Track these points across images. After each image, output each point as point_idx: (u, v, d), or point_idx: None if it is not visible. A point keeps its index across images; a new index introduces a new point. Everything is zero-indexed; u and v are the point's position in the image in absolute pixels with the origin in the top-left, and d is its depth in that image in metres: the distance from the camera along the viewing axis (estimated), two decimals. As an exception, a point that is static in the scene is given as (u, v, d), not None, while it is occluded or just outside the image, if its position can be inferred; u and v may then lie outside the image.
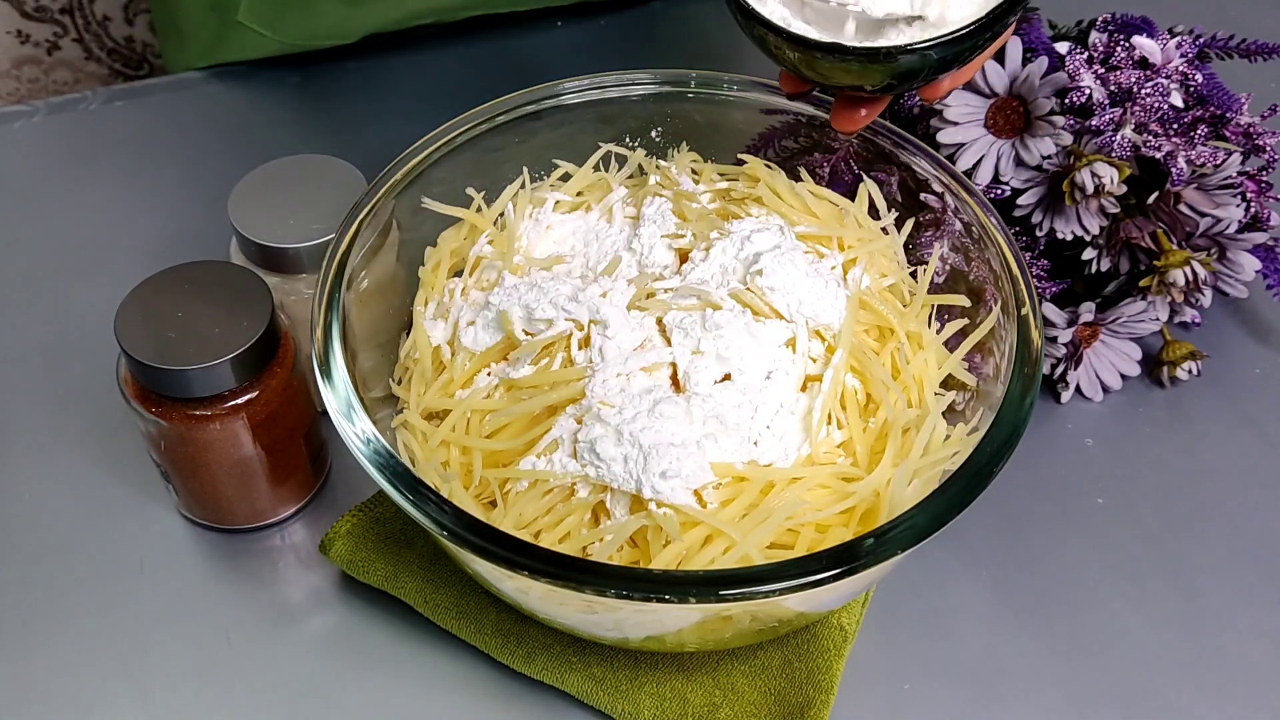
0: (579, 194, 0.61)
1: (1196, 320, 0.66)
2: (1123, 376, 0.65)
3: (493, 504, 0.50)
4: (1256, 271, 0.64)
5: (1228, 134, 0.63)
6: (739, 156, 0.60)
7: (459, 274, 0.58)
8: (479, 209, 0.58)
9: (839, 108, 0.54)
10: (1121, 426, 0.65)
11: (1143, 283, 0.62)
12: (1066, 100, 0.61)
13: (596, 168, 0.61)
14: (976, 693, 0.55)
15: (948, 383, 0.54)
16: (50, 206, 0.74)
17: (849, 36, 0.50)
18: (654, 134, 0.62)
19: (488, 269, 0.57)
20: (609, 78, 0.59)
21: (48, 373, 0.65)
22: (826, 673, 0.53)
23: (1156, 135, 0.60)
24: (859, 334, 0.53)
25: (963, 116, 0.61)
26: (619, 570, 0.43)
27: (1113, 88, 0.61)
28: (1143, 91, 0.60)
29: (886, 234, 0.58)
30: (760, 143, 0.62)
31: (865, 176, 0.59)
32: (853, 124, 0.54)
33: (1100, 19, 0.65)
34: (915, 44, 0.48)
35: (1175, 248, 0.61)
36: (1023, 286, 0.52)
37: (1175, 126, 0.61)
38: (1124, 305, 0.62)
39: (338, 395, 0.48)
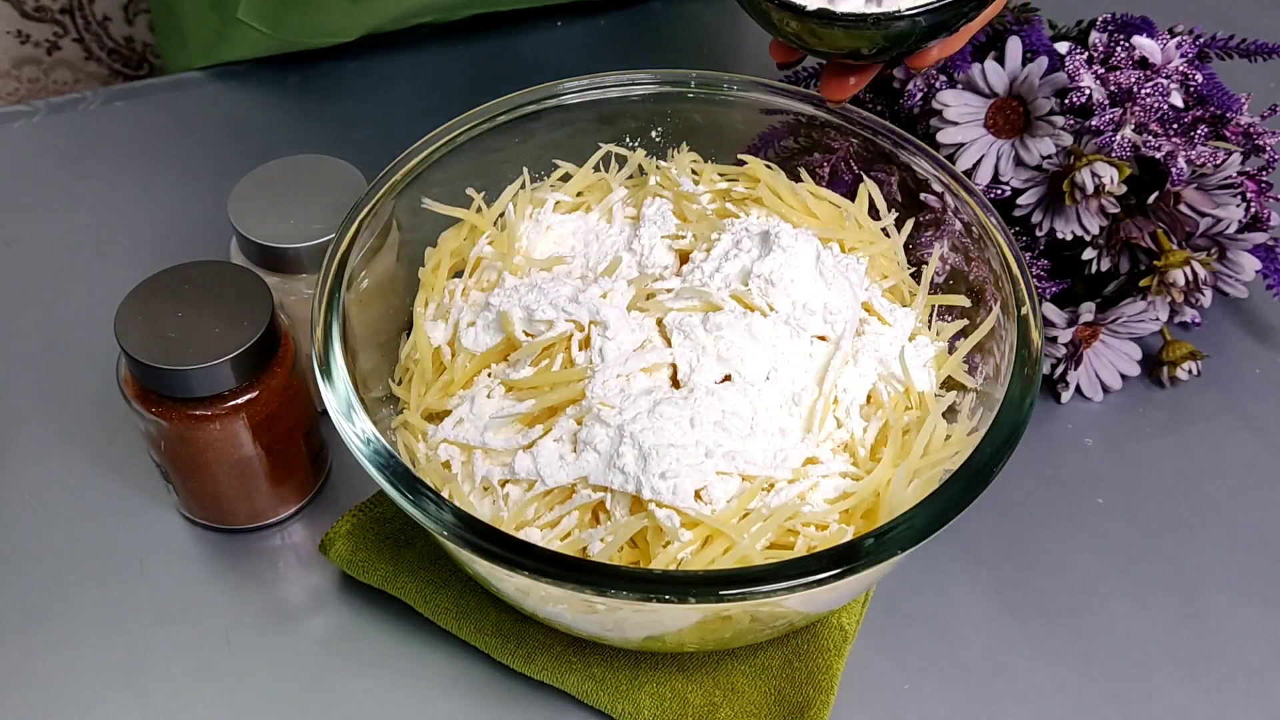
0: (579, 194, 0.61)
1: (1196, 320, 0.66)
2: (1123, 376, 0.65)
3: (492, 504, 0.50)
4: (1256, 271, 0.64)
5: (1228, 134, 0.62)
6: (739, 157, 0.60)
7: (459, 275, 0.58)
8: (479, 209, 0.58)
9: (829, 76, 0.55)
10: (1121, 426, 0.65)
11: (1143, 283, 0.62)
12: (1066, 100, 0.61)
13: (596, 168, 0.61)
14: (976, 693, 0.55)
15: (948, 383, 0.54)
16: (50, 206, 0.73)
17: (844, 3, 0.51)
18: (654, 134, 0.62)
19: (488, 270, 0.57)
20: (609, 78, 0.59)
21: (48, 373, 0.65)
22: (826, 673, 0.53)
23: (1156, 135, 0.60)
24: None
25: (963, 116, 0.61)
26: (619, 570, 0.43)
27: (1113, 88, 0.61)
28: (1143, 91, 0.60)
29: (886, 235, 0.58)
30: (760, 143, 0.62)
31: (865, 177, 0.59)
32: (842, 92, 0.55)
33: (1100, 19, 0.65)
34: (903, 11, 0.49)
35: (1175, 248, 0.61)
36: (1023, 286, 0.52)
37: (1175, 126, 0.61)
38: (1124, 305, 0.62)
39: (338, 395, 0.48)
